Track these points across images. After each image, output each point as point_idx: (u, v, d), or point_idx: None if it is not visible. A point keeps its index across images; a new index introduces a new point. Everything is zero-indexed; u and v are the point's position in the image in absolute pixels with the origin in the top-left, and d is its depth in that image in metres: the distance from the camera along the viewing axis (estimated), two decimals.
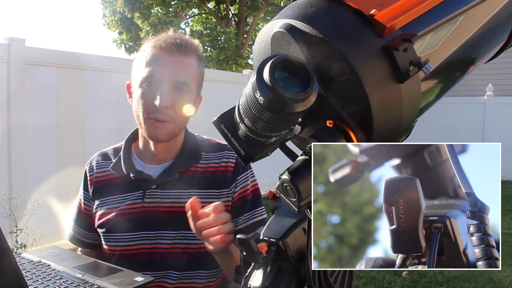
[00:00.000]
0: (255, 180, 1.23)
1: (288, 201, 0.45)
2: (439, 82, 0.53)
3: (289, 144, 0.50)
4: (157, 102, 1.08)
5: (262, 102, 0.40)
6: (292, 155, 0.49)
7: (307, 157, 0.45)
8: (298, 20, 0.46)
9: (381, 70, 0.43)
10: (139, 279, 1.02)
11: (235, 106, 0.46)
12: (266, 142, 0.45)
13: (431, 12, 0.47)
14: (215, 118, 0.47)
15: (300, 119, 0.45)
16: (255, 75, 0.41)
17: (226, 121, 0.47)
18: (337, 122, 0.46)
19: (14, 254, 1.18)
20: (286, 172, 0.45)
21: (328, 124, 0.46)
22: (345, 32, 0.44)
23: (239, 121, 0.44)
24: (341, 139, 0.45)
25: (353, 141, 0.45)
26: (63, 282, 1.00)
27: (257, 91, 0.40)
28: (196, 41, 1.19)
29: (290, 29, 0.45)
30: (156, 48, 1.11)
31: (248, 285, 0.49)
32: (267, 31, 0.50)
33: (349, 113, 0.45)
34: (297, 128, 0.45)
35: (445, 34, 0.50)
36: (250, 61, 14.94)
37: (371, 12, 0.43)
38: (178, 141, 1.20)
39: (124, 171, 1.20)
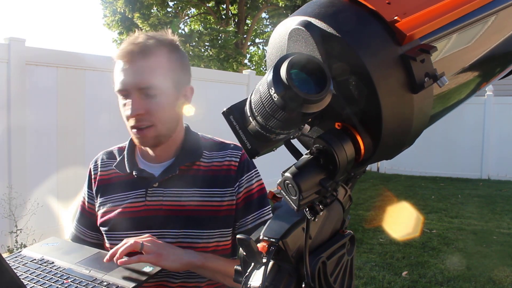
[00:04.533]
0: (261, 179, 1.23)
1: (288, 198, 0.45)
2: (450, 96, 0.53)
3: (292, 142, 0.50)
4: (127, 113, 1.10)
5: (276, 99, 0.40)
6: (296, 153, 0.49)
7: (312, 156, 0.45)
8: (317, 18, 0.45)
9: (396, 79, 0.43)
10: (148, 269, 1.01)
11: (245, 100, 0.46)
12: (274, 139, 0.45)
13: (452, 25, 0.47)
14: (225, 109, 0.47)
15: (310, 119, 0.45)
16: (272, 72, 0.41)
17: (235, 113, 0.47)
18: (345, 125, 0.46)
19: (15, 252, 1.17)
20: (290, 169, 0.45)
21: (336, 126, 0.46)
22: (365, 36, 0.43)
23: (249, 116, 0.44)
24: (348, 143, 0.44)
25: (359, 146, 0.45)
26: (71, 282, 0.99)
27: (272, 88, 0.40)
28: (161, 34, 1.16)
29: (309, 26, 0.45)
30: (118, 58, 1.11)
31: (248, 285, 0.49)
32: (285, 26, 0.49)
33: (359, 118, 0.45)
34: (306, 127, 0.45)
35: (463, 46, 0.50)
36: (246, 61, 14.95)
37: (393, 19, 0.43)
38: (176, 140, 1.20)
39: (127, 169, 1.20)
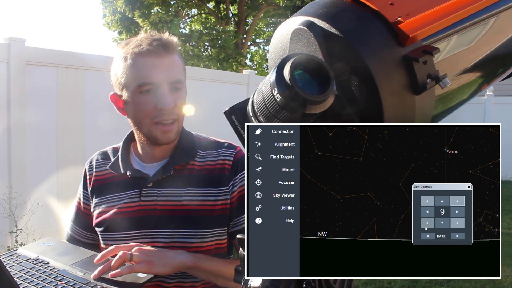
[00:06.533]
0: None
1: None
2: (452, 97, 0.53)
3: None
4: (161, 106, 1.09)
5: (279, 99, 0.40)
6: None
7: None
8: (320, 18, 0.45)
9: (398, 80, 0.43)
10: (141, 275, 1.01)
11: (247, 100, 0.46)
12: None
13: (454, 26, 0.46)
14: (227, 109, 0.47)
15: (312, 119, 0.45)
16: (275, 73, 0.41)
17: (237, 113, 0.47)
18: None
19: (10, 250, 1.17)
20: None
21: None
22: (367, 37, 0.43)
23: (252, 116, 0.44)
24: None
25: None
26: (64, 283, 0.98)
27: (275, 88, 0.40)
28: (174, 38, 1.18)
29: (311, 26, 0.45)
30: (143, 53, 1.09)
31: (248, 285, 0.49)
32: (287, 26, 0.49)
33: (360, 118, 0.45)
34: None
35: (464, 47, 0.50)
36: (247, 61, 14.95)
37: (395, 20, 0.43)
38: None
39: (122, 170, 1.20)
